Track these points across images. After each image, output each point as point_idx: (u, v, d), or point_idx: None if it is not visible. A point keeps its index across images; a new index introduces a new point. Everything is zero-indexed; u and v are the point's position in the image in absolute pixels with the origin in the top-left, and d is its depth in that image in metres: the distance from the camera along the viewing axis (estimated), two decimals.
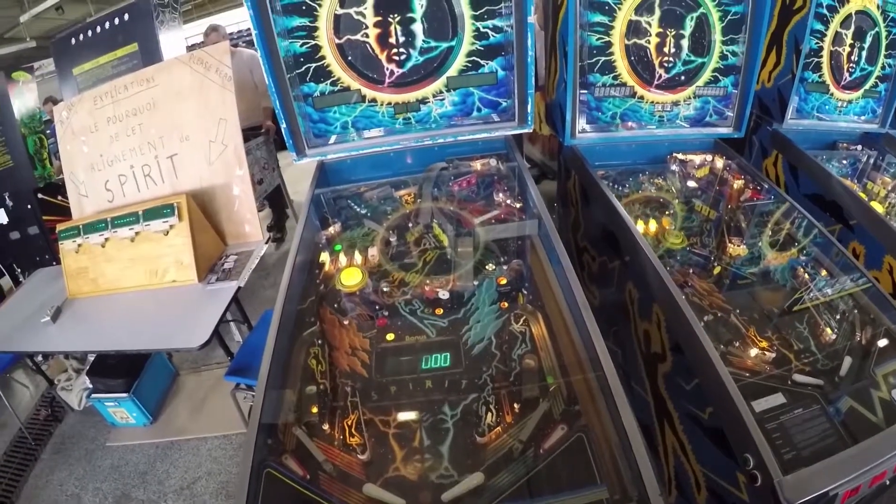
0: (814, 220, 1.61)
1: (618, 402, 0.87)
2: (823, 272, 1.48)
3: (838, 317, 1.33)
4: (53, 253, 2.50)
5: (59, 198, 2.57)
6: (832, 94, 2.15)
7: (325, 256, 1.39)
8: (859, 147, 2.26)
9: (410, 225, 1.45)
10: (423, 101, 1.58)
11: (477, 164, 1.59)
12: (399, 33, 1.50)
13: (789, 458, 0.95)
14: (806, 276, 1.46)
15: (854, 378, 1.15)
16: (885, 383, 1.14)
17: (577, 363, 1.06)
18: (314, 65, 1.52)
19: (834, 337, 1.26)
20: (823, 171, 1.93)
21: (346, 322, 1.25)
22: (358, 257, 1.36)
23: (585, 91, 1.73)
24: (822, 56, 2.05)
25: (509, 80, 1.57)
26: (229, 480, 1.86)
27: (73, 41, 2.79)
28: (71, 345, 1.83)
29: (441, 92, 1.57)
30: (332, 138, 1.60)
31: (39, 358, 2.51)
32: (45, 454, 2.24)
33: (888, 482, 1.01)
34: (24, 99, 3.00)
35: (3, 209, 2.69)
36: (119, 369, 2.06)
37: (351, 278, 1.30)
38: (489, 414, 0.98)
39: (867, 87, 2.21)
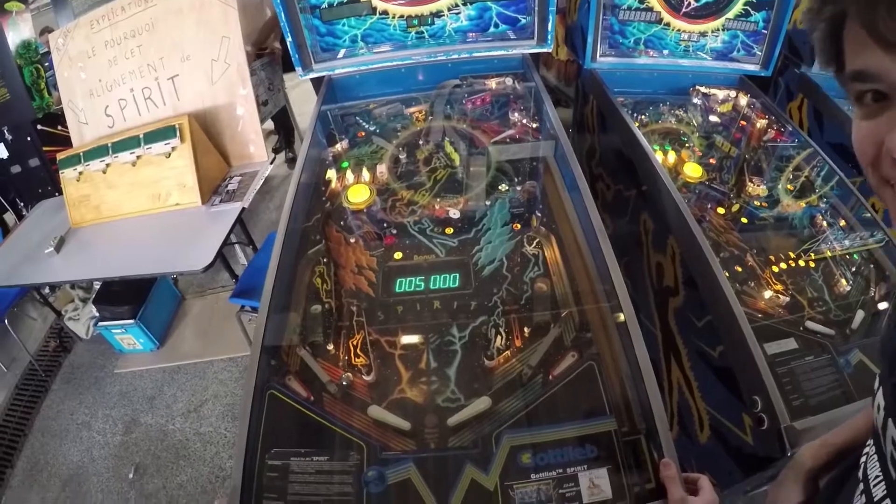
0: (837, 169, 1.55)
1: (631, 333, 0.86)
2: (842, 223, 1.43)
3: (853, 269, 1.30)
4: (56, 184, 2.45)
5: (59, 128, 2.51)
6: None
7: (331, 174, 1.35)
8: None
9: (421, 143, 1.39)
10: (438, 14, 1.48)
11: (492, 83, 1.51)
12: None
13: (797, 404, 0.94)
14: (825, 224, 1.42)
15: (865, 332, 1.12)
16: None
17: (590, 290, 1.03)
18: None
19: (848, 289, 1.24)
20: (850, 120, 1.85)
21: (352, 240, 1.23)
22: (366, 174, 1.32)
23: (609, 14, 1.63)
24: None
25: None
26: (235, 402, 1.90)
27: None
28: (75, 274, 1.83)
29: (457, 5, 1.47)
30: (341, 52, 1.52)
31: (46, 290, 2.53)
32: (56, 385, 2.30)
33: None
34: (18, 30, 2.88)
35: (2, 143, 2.64)
36: (125, 296, 2.07)
37: (358, 195, 1.27)
38: (498, 337, 0.96)
39: None
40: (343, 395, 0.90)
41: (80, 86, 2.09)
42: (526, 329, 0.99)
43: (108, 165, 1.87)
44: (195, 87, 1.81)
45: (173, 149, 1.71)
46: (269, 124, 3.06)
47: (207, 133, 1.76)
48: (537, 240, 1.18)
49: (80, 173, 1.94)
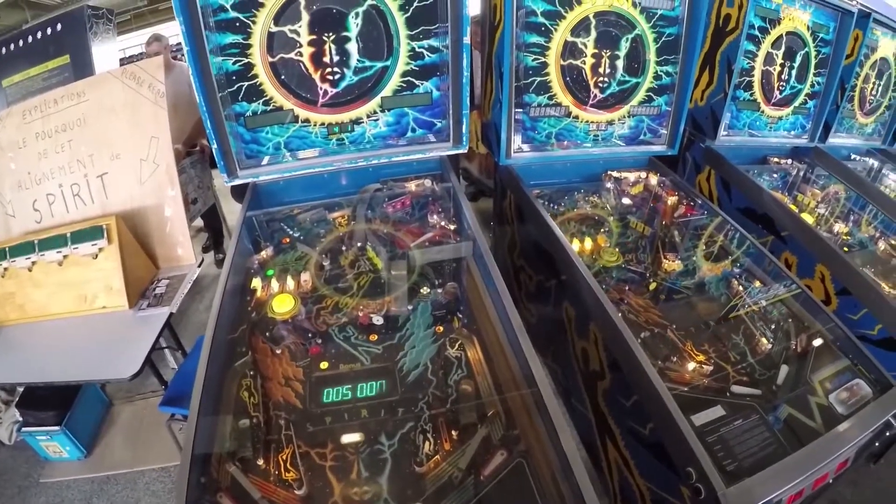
0: (745, 232, 1.67)
1: (557, 427, 0.88)
2: (757, 283, 1.53)
3: (773, 326, 1.38)
4: None
5: None
6: (763, 112, 2.27)
7: (256, 282, 1.35)
8: (789, 161, 2.39)
9: (344, 248, 1.43)
10: (357, 121, 1.56)
11: (412, 185, 1.58)
12: (333, 52, 1.49)
13: (731, 469, 0.97)
14: (740, 287, 1.51)
15: (791, 385, 1.19)
16: (821, 388, 1.18)
17: (514, 387, 1.06)
18: (247, 83, 1.48)
19: (769, 346, 1.31)
20: (755, 185, 2.03)
21: (278, 351, 1.23)
22: (290, 282, 1.33)
23: (521, 111, 1.75)
24: (753, 75, 2.15)
25: (444, 100, 1.58)
26: None
27: (3, 51, 2.63)
28: None
29: (375, 112, 1.56)
30: (265, 159, 1.56)
31: None
32: None
33: (831, 481, 1.05)
34: None
35: None
36: (50, 401, 1.95)
37: (283, 305, 1.27)
38: (427, 442, 0.98)
39: (797, 104, 2.34)
40: None
41: (10, 176, 2.04)
42: (454, 431, 1.00)
43: (34, 263, 1.80)
44: (124, 187, 1.80)
45: (100, 250, 1.67)
46: (199, 221, 3.03)
47: (135, 234, 1.74)
48: (459, 341, 1.22)
49: (6, 269, 1.86)
